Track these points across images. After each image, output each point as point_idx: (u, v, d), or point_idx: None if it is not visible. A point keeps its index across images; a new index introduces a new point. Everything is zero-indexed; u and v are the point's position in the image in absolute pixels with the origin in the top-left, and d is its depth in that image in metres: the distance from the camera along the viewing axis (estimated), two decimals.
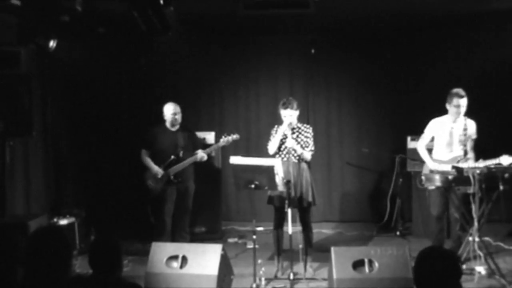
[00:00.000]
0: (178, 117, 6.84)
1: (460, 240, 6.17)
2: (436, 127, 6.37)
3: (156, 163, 6.80)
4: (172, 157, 6.75)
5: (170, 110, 6.82)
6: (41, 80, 6.99)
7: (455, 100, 6.10)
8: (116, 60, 8.02)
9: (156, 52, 7.88)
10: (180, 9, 6.07)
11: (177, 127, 6.90)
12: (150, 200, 7.23)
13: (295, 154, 5.95)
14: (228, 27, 8.09)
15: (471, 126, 6.23)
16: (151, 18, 5.69)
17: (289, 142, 5.89)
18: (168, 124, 6.87)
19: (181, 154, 6.77)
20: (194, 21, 7.46)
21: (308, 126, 6.19)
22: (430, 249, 3.03)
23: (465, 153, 6.10)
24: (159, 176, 6.76)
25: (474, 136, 6.26)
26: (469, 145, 6.24)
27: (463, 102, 6.09)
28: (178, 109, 6.86)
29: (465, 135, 6.12)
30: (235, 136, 6.74)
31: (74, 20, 6.17)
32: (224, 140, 6.73)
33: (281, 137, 6.00)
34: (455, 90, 6.14)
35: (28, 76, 6.13)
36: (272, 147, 6.06)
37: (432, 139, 6.45)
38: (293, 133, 6.01)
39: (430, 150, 6.46)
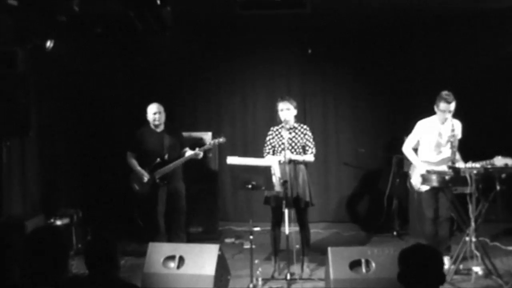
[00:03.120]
0: (158, 116, 6.71)
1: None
2: (424, 129, 6.21)
3: (142, 165, 6.74)
4: (158, 160, 6.68)
5: (151, 110, 6.73)
6: (38, 80, 6.97)
7: (443, 105, 5.94)
8: (113, 60, 8.00)
9: (152, 52, 7.87)
10: (176, 9, 6.06)
11: (161, 127, 6.80)
12: (136, 203, 7.22)
13: (297, 161, 5.95)
14: (225, 27, 8.08)
15: (458, 126, 6.09)
16: (147, 18, 5.68)
17: (288, 156, 5.82)
18: (151, 125, 6.78)
19: (166, 156, 6.68)
20: (191, 21, 7.46)
21: (306, 127, 6.17)
22: (412, 247, 3.04)
23: (454, 154, 5.92)
24: (145, 180, 6.70)
25: (459, 136, 6.10)
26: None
27: (451, 107, 5.92)
28: (160, 108, 6.75)
29: (453, 136, 5.94)
30: (221, 140, 6.66)
31: (71, 20, 6.16)
32: (210, 143, 6.69)
33: (279, 141, 6.05)
34: (444, 93, 5.95)
35: (25, 76, 6.11)
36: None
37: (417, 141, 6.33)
38: (290, 133, 6.01)
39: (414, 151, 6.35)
